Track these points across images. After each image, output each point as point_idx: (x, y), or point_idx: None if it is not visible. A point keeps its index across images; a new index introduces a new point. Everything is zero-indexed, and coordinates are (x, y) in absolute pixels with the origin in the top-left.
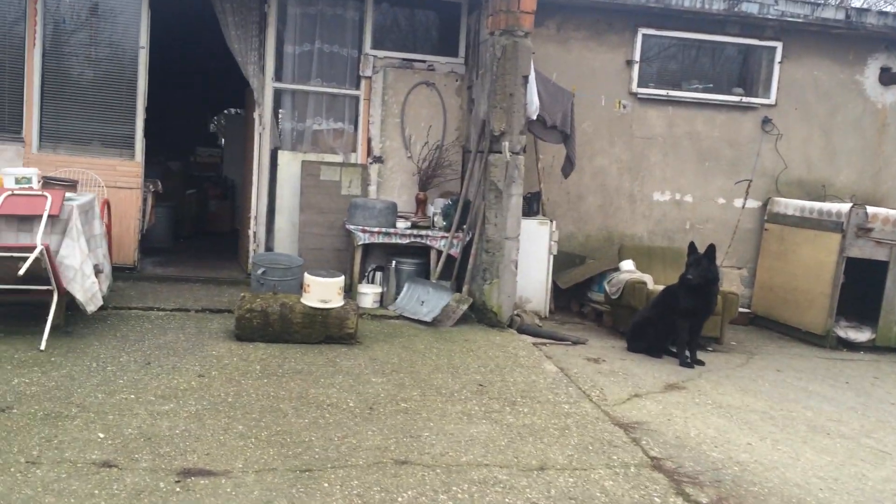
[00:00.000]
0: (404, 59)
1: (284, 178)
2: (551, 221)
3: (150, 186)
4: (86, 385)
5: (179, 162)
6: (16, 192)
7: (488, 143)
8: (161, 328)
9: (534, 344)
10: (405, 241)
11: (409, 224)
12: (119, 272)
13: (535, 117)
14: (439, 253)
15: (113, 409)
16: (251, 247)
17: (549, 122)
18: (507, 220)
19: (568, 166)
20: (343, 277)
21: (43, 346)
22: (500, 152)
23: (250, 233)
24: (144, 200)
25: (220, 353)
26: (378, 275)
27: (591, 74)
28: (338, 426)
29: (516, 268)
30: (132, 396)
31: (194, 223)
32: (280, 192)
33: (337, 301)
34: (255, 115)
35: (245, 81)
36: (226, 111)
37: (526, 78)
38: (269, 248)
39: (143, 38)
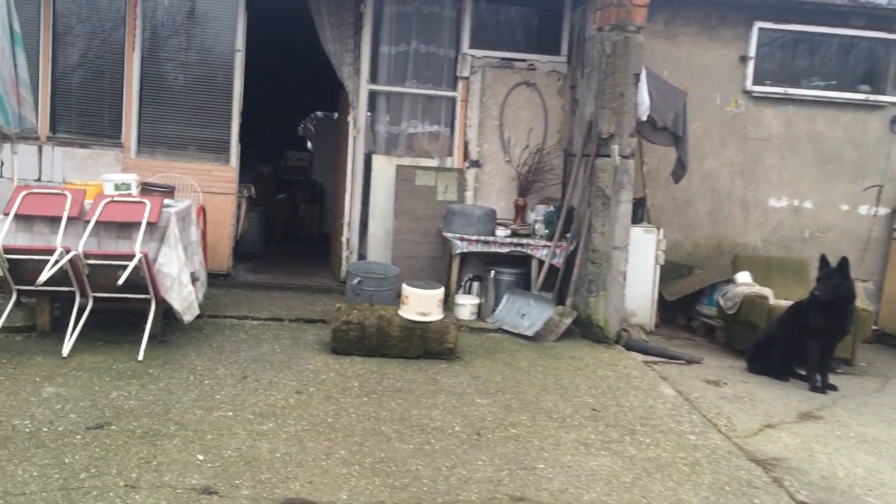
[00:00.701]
0: (503, 59)
1: (378, 183)
2: (658, 229)
3: (244, 191)
4: (184, 400)
5: (270, 166)
6: (115, 198)
7: (595, 146)
8: (256, 339)
9: (644, 362)
10: (505, 249)
11: (508, 232)
12: (213, 279)
13: (644, 118)
14: (541, 263)
15: (211, 427)
16: (344, 254)
17: (659, 124)
18: (615, 228)
19: (679, 170)
20: (443, 289)
21: (140, 357)
22: (609, 156)
23: (343, 239)
24: (238, 206)
25: (317, 368)
26: (475, 285)
27: (701, 72)
28: (445, 454)
29: (625, 279)
30: (230, 414)
31: (284, 228)
32: (374, 197)
33: (436, 314)
34: (350, 119)
35: (337, 84)
36: (314, 114)
37: (637, 76)
38: (361, 256)
39: (240, 41)
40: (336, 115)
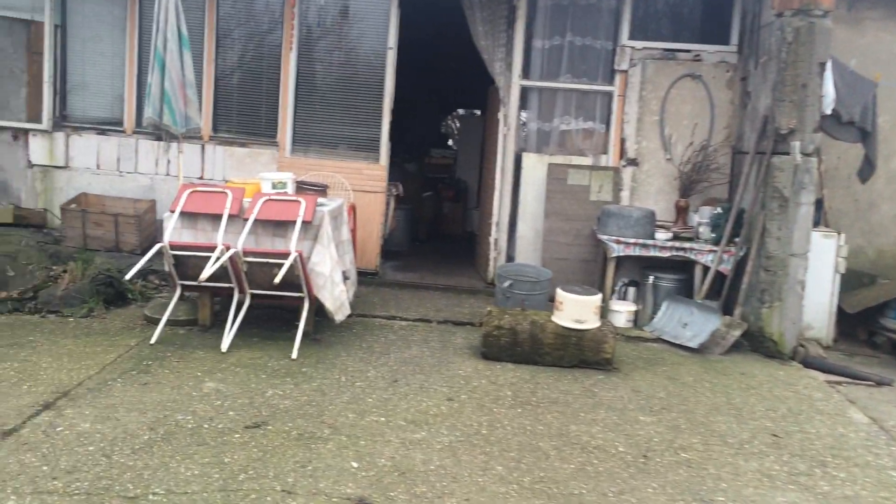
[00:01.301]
0: (666, 50)
1: (528, 182)
2: (838, 234)
3: (393, 189)
4: (336, 402)
5: (415, 164)
6: (272, 197)
7: (771, 142)
8: (405, 340)
9: (827, 382)
10: (665, 254)
11: (669, 235)
12: (361, 277)
13: (829, 112)
14: (705, 269)
15: (364, 433)
16: (491, 255)
17: (844, 118)
18: (793, 232)
19: (867, 169)
20: (600, 295)
21: (294, 356)
22: (787, 153)
23: (490, 240)
24: (387, 204)
25: (468, 374)
26: (631, 290)
27: (889, 60)
28: (609, 477)
29: (803, 289)
30: (382, 419)
31: (429, 226)
32: (523, 197)
33: (593, 321)
34: (500, 116)
35: (484, 80)
36: (457, 112)
37: (822, 65)
38: (509, 257)
39: (392, 39)
40: (480, 112)
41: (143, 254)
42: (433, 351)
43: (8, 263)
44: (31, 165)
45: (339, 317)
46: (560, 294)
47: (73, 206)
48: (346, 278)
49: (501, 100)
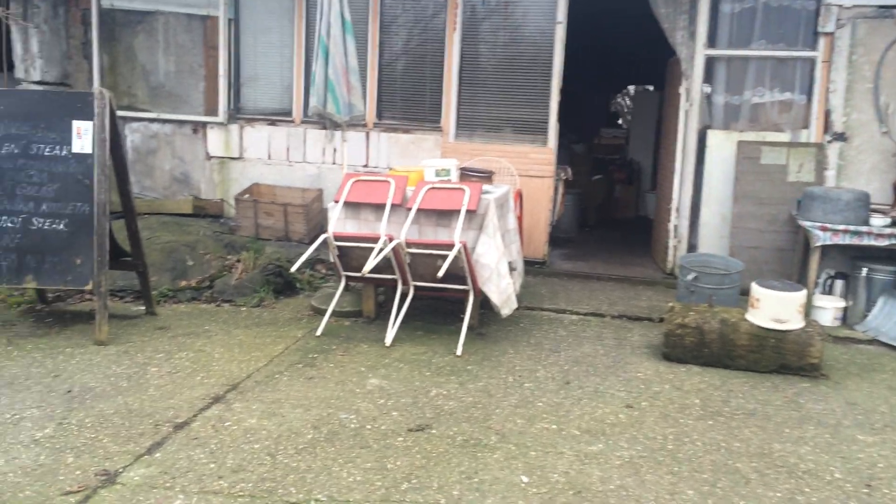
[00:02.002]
0: (881, 7)
1: (714, 162)
2: None
3: (561, 174)
4: (503, 405)
5: (583, 145)
6: (436, 185)
7: None
8: (576, 336)
9: None
10: (883, 242)
11: (887, 221)
12: (528, 266)
13: None
14: None
15: (535, 442)
16: (670, 242)
17: None
18: None
19: None
20: (805, 291)
21: (459, 352)
22: None
23: (669, 226)
24: (555, 189)
25: (648, 377)
26: (838, 284)
27: None
28: None
29: None
30: (554, 427)
31: (599, 211)
32: (707, 178)
33: (796, 321)
34: (682, 90)
35: (658, 54)
36: (628, 89)
37: None
38: (691, 246)
39: (561, 13)
40: (653, 88)
41: (310, 243)
42: (608, 349)
43: (188, 253)
44: (209, 157)
45: (506, 311)
46: (756, 289)
47: (245, 196)
48: (512, 269)
49: (683, 72)
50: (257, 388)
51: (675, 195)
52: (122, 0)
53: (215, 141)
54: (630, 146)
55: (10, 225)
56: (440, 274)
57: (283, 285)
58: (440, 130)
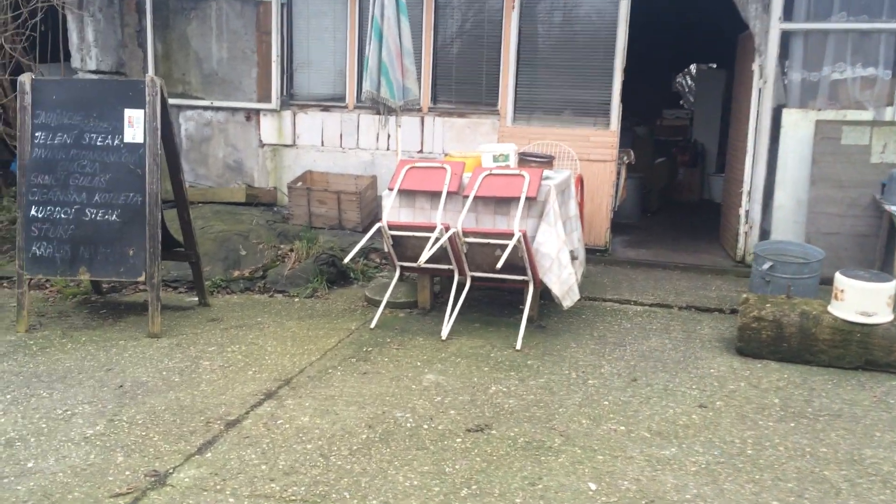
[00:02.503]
0: None
1: (789, 142)
2: None
3: (623, 157)
4: (567, 404)
5: (645, 127)
6: (493, 171)
7: None
8: (642, 329)
9: None
10: None
11: None
12: (589, 254)
13: None
14: None
15: (602, 444)
16: (741, 228)
17: None
18: None
19: None
20: (895, 282)
21: (518, 346)
22: None
23: (741, 212)
24: (617, 174)
25: (721, 373)
26: None
27: None
28: None
29: None
30: (622, 428)
31: (661, 195)
32: (782, 160)
33: (884, 314)
34: (754, 67)
35: (725, 30)
36: (688, 69)
37: None
38: (764, 232)
39: None
40: (716, 66)
41: (364, 231)
42: (676, 343)
43: (240, 242)
44: (262, 144)
45: (568, 302)
46: (841, 280)
47: (298, 184)
48: (573, 258)
49: (756, 48)
50: (310, 384)
51: (746, 178)
52: None
53: (268, 128)
54: (694, 127)
55: (63, 216)
56: (499, 265)
57: (336, 275)
58: (497, 114)
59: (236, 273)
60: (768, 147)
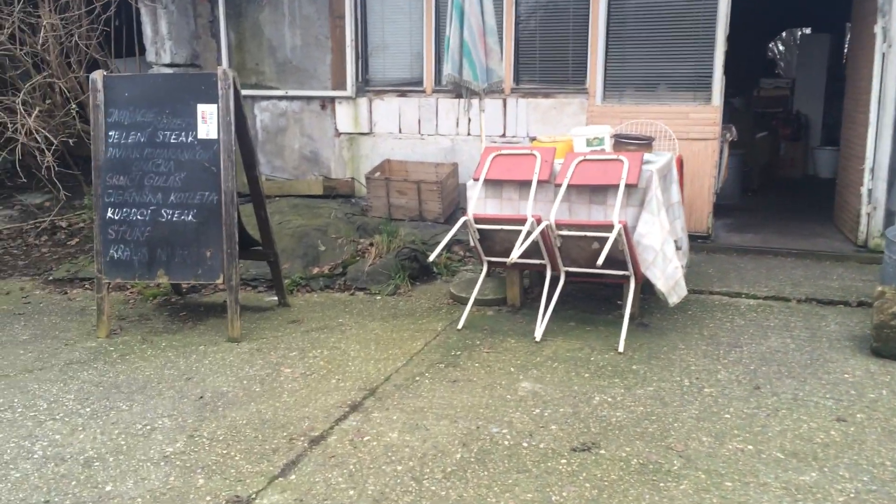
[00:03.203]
0: None
1: None
2: None
3: (726, 134)
4: (682, 417)
5: (741, 99)
6: (588, 157)
7: None
8: (758, 327)
9: None
10: None
11: None
12: (691, 242)
13: None
14: None
15: (728, 468)
16: (863, 210)
17: None
18: None
19: None
20: None
21: (621, 348)
22: None
23: (862, 190)
24: (720, 152)
25: (857, 379)
26: None
27: None
28: None
29: None
30: (750, 447)
31: (763, 172)
32: None
33: None
34: (877, 29)
35: None
36: (785, 33)
37: None
38: (889, 213)
39: None
40: (810, 31)
41: (446, 221)
42: (800, 343)
43: (319, 237)
44: (338, 134)
45: (674, 299)
46: None
47: (376, 174)
48: (677, 248)
49: (879, 8)
50: (397, 394)
51: (869, 153)
52: None
53: (344, 116)
54: (795, 97)
55: (139, 218)
56: (600, 261)
57: (418, 270)
58: (585, 92)
59: (315, 270)
60: (894, 119)
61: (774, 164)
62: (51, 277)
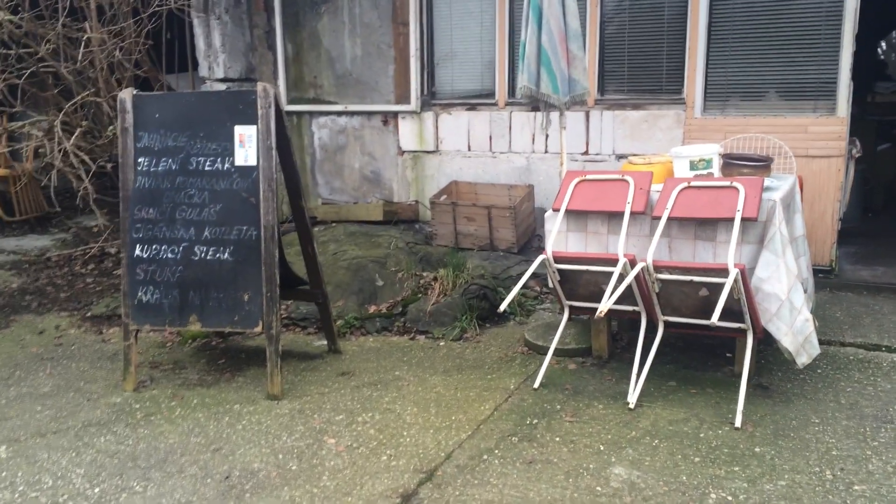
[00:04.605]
0: None
1: None
2: None
3: (852, 150)
4: None
5: (855, 106)
6: (692, 183)
7: None
8: None
9: None
10: None
11: None
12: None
13: None
14: None
15: None
16: None
17: None
18: None
19: None
20: None
21: (738, 422)
22: None
23: None
24: (846, 171)
25: None
26: None
27: None
28: None
29: None
30: None
31: (887, 190)
32: None
33: None
34: None
35: None
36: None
37: None
38: None
39: None
40: None
41: (520, 251)
42: None
43: (377, 271)
44: (401, 152)
45: (804, 359)
46: None
47: (442, 197)
48: (803, 291)
49: None
50: (460, 479)
51: None
52: None
53: (407, 133)
54: None
55: (170, 256)
56: (714, 319)
57: (488, 310)
58: (682, 103)
59: (372, 308)
60: None
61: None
62: (89, 313)
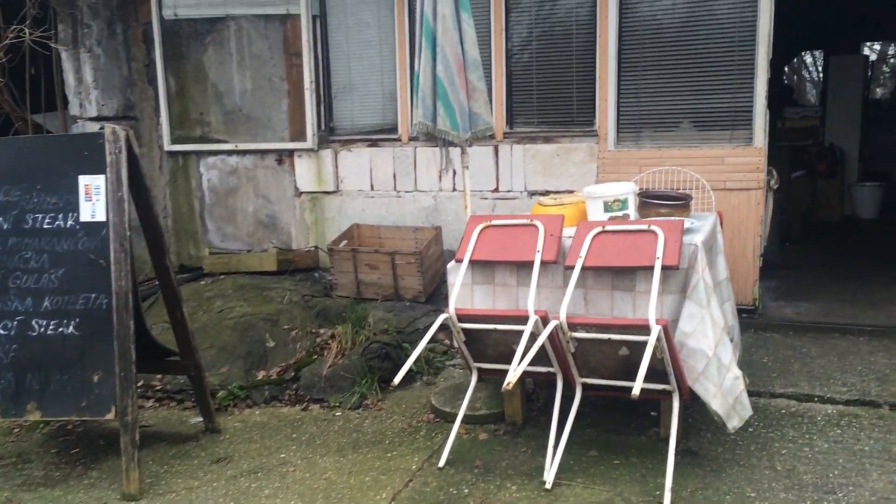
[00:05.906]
0: None
1: None
2: None
3: (770, 181)
4: None
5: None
6: (607, 227)
7: None
8: (849, 453)
9: None
10: None
11: None
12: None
13: None
14: None
15: None
16: None
17: None
18: None
19: None
20: None
21: (667, 500)
22: None
23: None
24: (765, 203)
25: None
26: None
27: None
28: None
29: None
30: None
31: (803, 219)
32: None
33: None
34: None
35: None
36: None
37: None
38: None
39: None
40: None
41: (427, 300)
42: None
43: (267, 330)
44: (298, 193)
45: (735, 422)
46: None
47: (343, 243)
48: (730, 342)
49: None
50: None
51: None
52: (186, 7)
53: (304, 172)
54: (827, 128)
55: (2, 332)
56: (636, 390)
57: (391, 371)
58: (595, 135)
59: (261, 374)
60: None
61: (813, 207)
62: None
